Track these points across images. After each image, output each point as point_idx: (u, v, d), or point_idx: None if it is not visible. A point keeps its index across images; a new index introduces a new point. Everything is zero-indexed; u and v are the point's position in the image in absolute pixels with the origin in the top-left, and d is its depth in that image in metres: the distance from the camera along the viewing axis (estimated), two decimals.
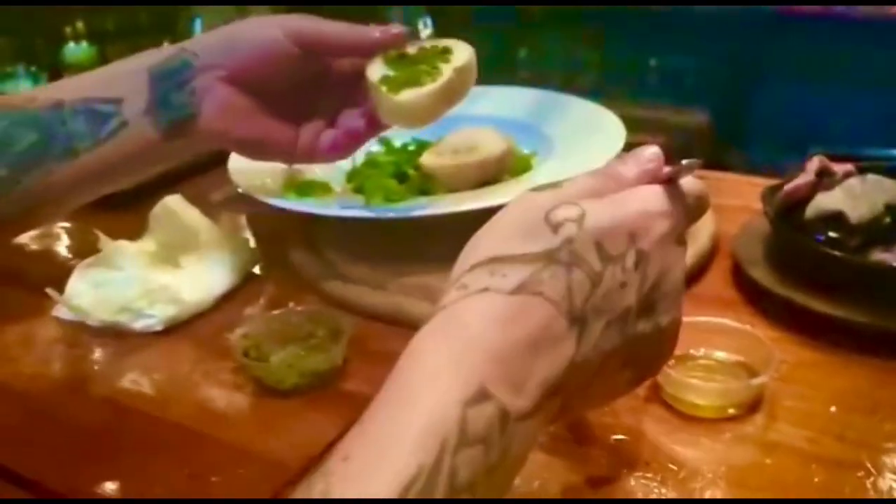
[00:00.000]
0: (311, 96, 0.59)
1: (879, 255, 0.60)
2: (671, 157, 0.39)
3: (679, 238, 0.39)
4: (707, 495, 0.47)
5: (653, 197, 0.37)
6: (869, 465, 0.49)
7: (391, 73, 0.56)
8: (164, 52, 0.57)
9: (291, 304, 0.66)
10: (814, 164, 0.67)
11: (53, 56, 1.95)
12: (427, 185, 0.72)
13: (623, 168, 0.39)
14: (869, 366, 0.57)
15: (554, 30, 2.07)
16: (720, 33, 1.98)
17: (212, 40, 0.57)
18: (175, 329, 0.66)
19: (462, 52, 0.58)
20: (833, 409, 0.53)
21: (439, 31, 1.75)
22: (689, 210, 0.39)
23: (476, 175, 0.72)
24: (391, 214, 0.67)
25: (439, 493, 0.29)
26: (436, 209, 0.65)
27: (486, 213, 0.63)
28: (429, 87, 0.56)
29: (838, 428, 0.52)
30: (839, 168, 0.68)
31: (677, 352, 0.56)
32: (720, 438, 0.51)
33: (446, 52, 0.58)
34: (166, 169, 0.75)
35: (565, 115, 0.80)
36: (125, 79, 0.56)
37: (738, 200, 0.80)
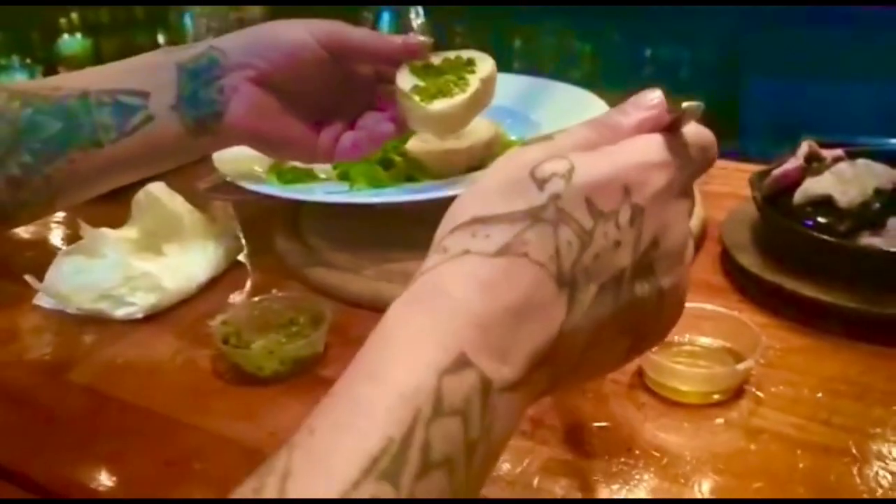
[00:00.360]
0: (333, 99, 0.60)
1: (868, 240, 0.59)
2: (673, 102, 0.36)
3: (683, 191, 0.35)
4: (690, 482, 0.46)
5: (651, 147, 0.34)
6: (855, 451, 0.48)
7: (420, 83, 0.59)
8: (193, 49, 0.57)
9: (274, 291, 0.66)
10: (803, 149, 0.67)
11: (48, 49, 1.94)
12: (413, 171, 0.71)
13: (621, 117, 0.35)
14: (858, 351, 0.56)
15: (548, 20, 2.05)
16: (714, 24, 1.97)
17: (241, 40, 0.58)
18: (157, 316, 0.65)
19: (485, 63, 0.61)
20: (820, 394, 0.53)
21: (433, 21, 1.74)
22: (692, 161, 0.35)
23: (463, 161, 0.71)
24: (377, 200, 0.67)
25: (411, 468, 0.27)
26: (421, 195, 0.64)
27: None
28: (459, 98, 0.58)
29: (825, 414, 0.51)
30: (829, 153, 0.68)
31: None
32: (704, 424, 0.51)
33: (470, 63, 0.61)
34: None
35: (553, 101, 0.79)
36: (153, 72, 0.56)
37: (726, 187, 0.79)
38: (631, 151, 0.33)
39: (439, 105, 0.58)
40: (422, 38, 0.60)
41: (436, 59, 0.60)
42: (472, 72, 0.59)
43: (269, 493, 0.26)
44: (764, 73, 2.08)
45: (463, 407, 0.28)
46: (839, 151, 0.68)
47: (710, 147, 0.36)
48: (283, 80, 0.57)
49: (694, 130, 0.35)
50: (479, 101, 0.59)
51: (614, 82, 2.17)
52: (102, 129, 0.54)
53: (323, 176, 0.72)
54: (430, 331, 0.29)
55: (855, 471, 0.47)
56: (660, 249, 0.33)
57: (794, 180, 0.65)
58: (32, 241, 0.82)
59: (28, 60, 1.87)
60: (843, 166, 0.65)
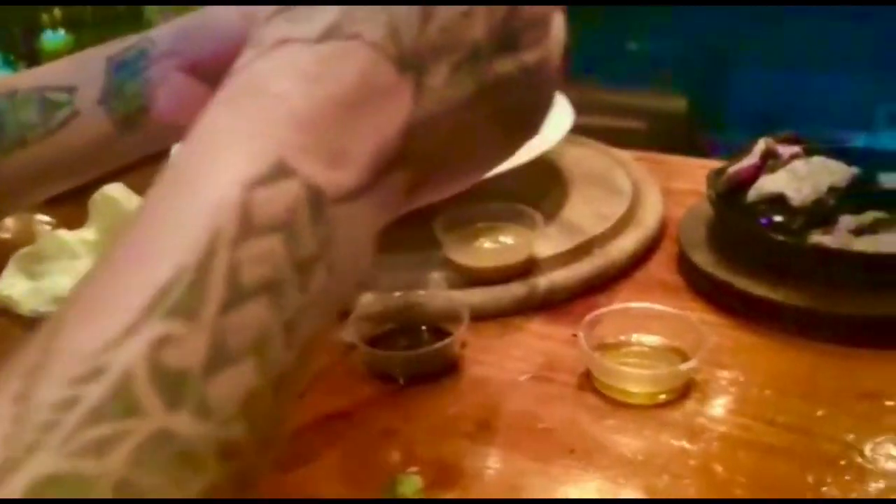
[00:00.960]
0: None
1: (819, 238, 0.59)
2: None
3: None
4: (629, 482, 0.46)
5: None
6: (798, 451, 0.48)
7: None
8: (128, 41, 0.55)
9: None
10: (760, 146, 0.66)
11: (30, 44, 1.93)
12: None
13: None
14: (807, 349, 0.56)
15: None
16: (698, 18, 1.97)
17: (171, 28, 0.56)
18: None
19: None
20: (767, 393, 0.53)
21: None
22: None
23: None
24: None
25: (213, 298, 0.22)
26: None
27: (430, 203, 0.63)
28: None
29: (770, 413, 0.51)
30: (786, 150, 0.67)
31: (610, 339, 0.56)
32: (649, 425, 0.51)
33: None
34: None
35: None
36: (83, 66, 0.54)
37: (689, 184, 0.79)
38: None
39: None
40: None
41: None
42: None
43: (33, 355, 0.22)
44: (749, 66, 2.07)
45: (284, 222, 0.24)
46: (796, 149, 0.67)
47: None
48: (218, 69, 0.54)
49: None
50: None
51: (598, 77, 2.17)
52: (28, 127, 0.53)
53: None
54: (239, 135, 0.25)
55: (797, 470, 0.47)
56: (521, 17, 0.29)
57: (750, 178, 0.65)
58: None
59: (11, 56, 1.87)
60: (797, 164, 0.64)
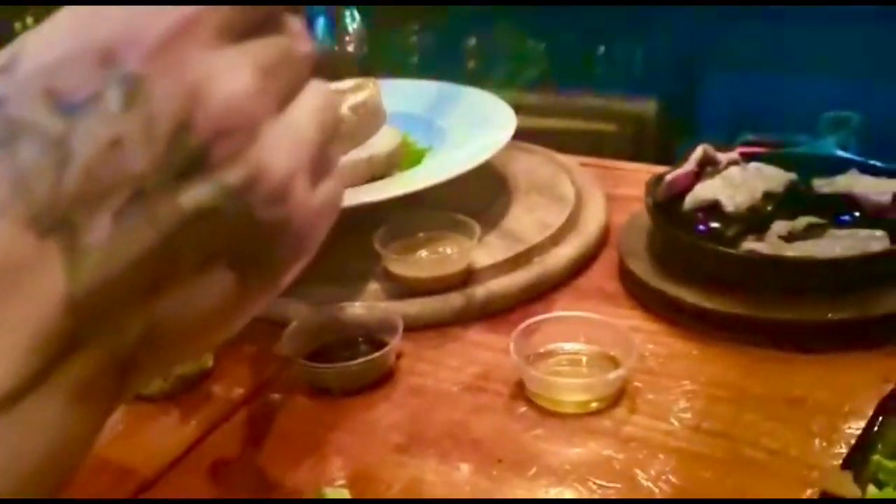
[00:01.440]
0: None
1: (751, 245, 0.59)
2: None
3: (230, 30, 0.23)
4: (551, 492, 0.47)
5: None
6: (720, 455, 0.48)
7: None
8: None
9: None
10: (697, 153, 0.67)
11: None
12: None
13: None
14: (739, 356, 0.56)
15: (501, 20, 2.05)
16: (668, 20, 1.98)
17: None
18: None
19: (361, 91, 0.55)
20: (695, 401, 0.53)
21: (380, 21, 1.73)
22: None
23: (365, 171, 0.71)
24: None
25: None
26: None
27: (370, 210, 0.63)
28: None
29: (697, 419, 0.51)
30: (724, 157, 0.68)
31: (541, 349, 0.57)
32: (578, 433, 0.51)
33: (347, 91, 0.55)
34: None
35: (462, 108, 0.79)
36: None
37: (635, 190, 0.79)
38: (106, 5, 0.22)
39: None
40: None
41: None
42: (342, 101, 0.55)
43: None
44: (720, 68, 2.09)
45: None
46: (734, 155, 0.68)
47: None
48: None
49: None
50: (348, 131, 0.54)
51: (569, 81, 2.17)
52: None
53: None
54: None
55: (719, 476, 0.47)
56: (200, 129, 0.22)
57: (687, 185, 0.65)
58: None
59: None
60: (733, 171, 0.65)
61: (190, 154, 0.22)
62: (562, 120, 1.94)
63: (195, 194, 0.22)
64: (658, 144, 1.99)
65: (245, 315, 0.25)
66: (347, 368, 0.55)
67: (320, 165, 0.25)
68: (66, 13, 0.23)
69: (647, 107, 2.06)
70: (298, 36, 0.25)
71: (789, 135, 1.54)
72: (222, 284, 0.24)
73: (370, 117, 0.55)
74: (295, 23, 0.25)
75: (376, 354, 0.55)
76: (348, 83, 0.56)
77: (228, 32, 0.23)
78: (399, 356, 0.59)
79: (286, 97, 0.24)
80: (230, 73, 0.22)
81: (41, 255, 0.21)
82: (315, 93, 0.25)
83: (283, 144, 0.23)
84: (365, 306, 0.60)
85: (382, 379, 0.57)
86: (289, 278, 0.26)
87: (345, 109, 0.53)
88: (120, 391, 0.23)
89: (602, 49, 2.09)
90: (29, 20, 2.12)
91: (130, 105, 0.21)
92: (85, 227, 0.21)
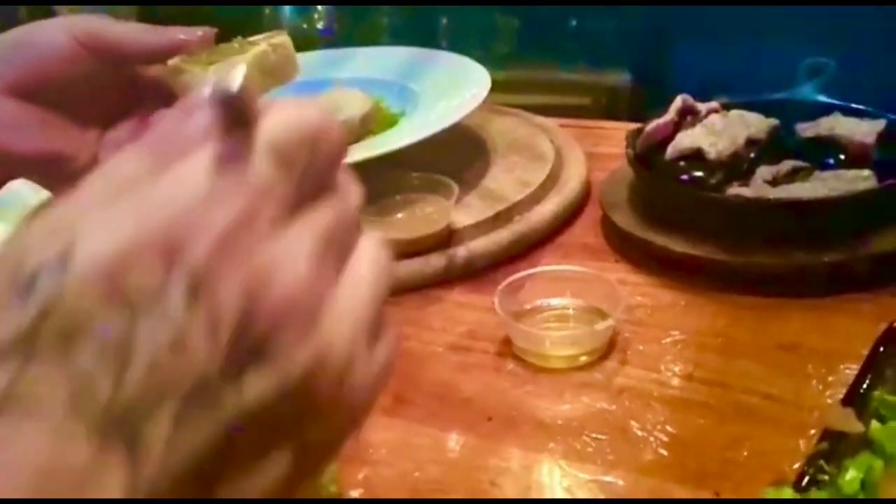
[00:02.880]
0: (118, 105, 0.51)
1: (736, 190, 0.58)
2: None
3: (288, 210, 0.23)
4: (546, 447, 0.45)
5: (194, 173, 0.22)
6: (714, 403, 0.47)
7: (194, 59, 0.51)
8: None
9: None
10: (676, 103, 0.66)
11: None
12: None
13: (179, 130, 0.23)
14: (726, 303, 0.55)
15: None
16: None
17: None
18: None
19: (277, 36, 0.54)
20: (686, 350, 0.52)
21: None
22: (286, 161, 0.23)
23: None
24: None
25: None
26: None
27: None
28: (241, 57, 0.50)
29: (689, 368, 0.50)
30: (704, 106, 0.67)
31: (526, 305, 0.55)
32: (568, 388, 0.50)
33: (256, 41, 0.53)
34: None
35: (435, 71, 0.77)
36: None
37: (616, 148, 0.77)
38: (166, 189, 0.22)
39: (218, 68, 0.49)
40: (201, 30, 0.51)
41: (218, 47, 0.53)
42: (254, 45, 0.52)
43: None
44: (692, 38, 2.08)
45: None
46: (714, 104, 0.67)
47: (318, 123, 0.24)
48: (42, 88, 0.48)
49: (275, 123, 0.23)
50: (270, 66, 0.52)
51: (542, 55, 2.16)
52: None
53: None
54: None
55: (713, 423, 0.46)
56: (265, 317, 0.21)
57: (667, 135, 0.64)
58: None
59: None
60: (714, 118, 0.64)
61: (252, 346, 0.21)
62: (535, 95, 1.92)
63: (258, 385, 0.21)
64: (632, 116, 1.98)
65: (300, 486, 0.24)
66: None
67: (377, 323, 0.24)
68: (120, 192, 0.22)
69: (620, 79, 2.05)
70: (348, 188, 0.25)
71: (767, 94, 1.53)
72: (280, 467, 0.23)
73: (288, 60, 0.53)
74: (343, 176, 0.25)
75: None
76: (259, 36, 0.55)
77: (286, 210, 0.23)
78: None
79: (343, 258, 0.24)
80: (290, 258, 0.22)
81: (103, 458, 0.20)
82: (368, 243, 0.25)
83: (344, 317, 0.23)
84: None
85: None
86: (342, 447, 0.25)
87: (265, 47, 0.51)
88: None
89: (573, 23, 2.08)
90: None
91: (193, 302, 0.21)
92: (146, 426, 0.20)
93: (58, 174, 0.50)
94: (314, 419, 0.23)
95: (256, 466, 0.22)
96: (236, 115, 0.22)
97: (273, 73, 0.52)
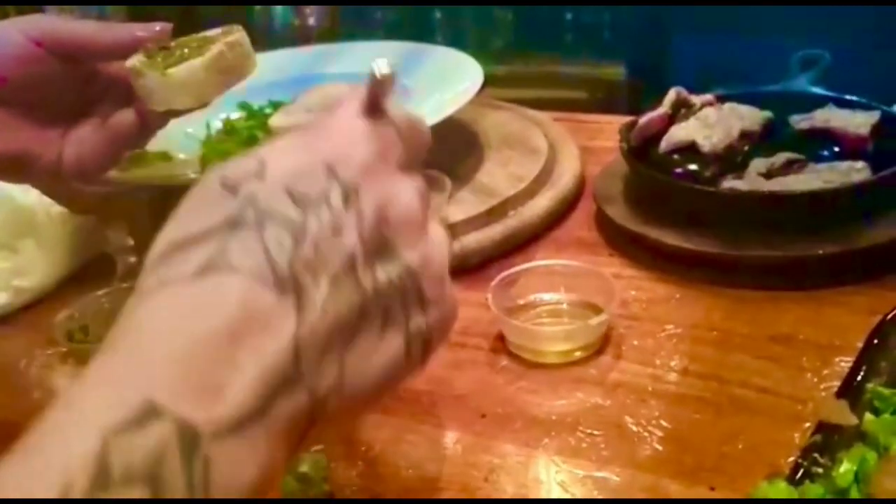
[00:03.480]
0: (79, 102, 0.51)
1: (731, 183, 0.58)
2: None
3: (401, 167, 0.32)
4: (540, 444, 0.45)
5: (346, 123, 0.31)
6: (709, 397, 0.47)
7: (152, 56, 0.51)
8: None
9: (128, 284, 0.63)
10: (670, 96, 0.65)
11: None
12: None
13: (339, 107, 0.32)
14: (720, 297, 0.55)
15: None
16: None
17: None
18: (11, 317, 0.62)
19: (232, 33, 0.54)
20: (681, 344, 0.51)
21: None
22: (401, 137, 0.32)
23: None
24: None
25: None
26: None
27: None
28: (199, 59, 0.51)
29: (684, 362, 0.50)
30: (699, 99, 0.66)
31: (520, 300, 0.55)
32: (563, 384, 0.49)
33: (217, 36, 0.54)
34: None
35: (427, 66, 0.77)
36: None
37: (610, 142, 0.77)
38: (326, 129, 0.31)
39: (177, 70, 0.49)
40: (158, 25, 0.51)
41: (175, 43, 0.53)
42: (214, 42, 0.53)
43: None
44: (689, 30, 2.07)
45: (150, 470, 0.23)
46: (709, 97, 0.66)
47: (417, 123, 0.34)
48: (1, 89, 0.49)
49: (398, 111, 0.33)
50: (227, 65, 0.52)
51: (538, 48, 2.14)
52: None
53: (182, 157, 0.69)
54: (106, 379, 0.25)
55: (709, 417, 0.46)
56: (391, 225, 0.30)
57: (661, 128, 0.63)
58: None
59: None
60: (708, 111, 0.63)
61: (384, 240, 0.30)
62: (531, 89, 1.92)
63: (387, 269, 0.30)
64: (629, 109, 1.98)
65: (401, 382, 0.31)
66: None
67: (447, 280, 0.33)
68: (297, 134, 0.31)
69: (617, 72, 2.04)
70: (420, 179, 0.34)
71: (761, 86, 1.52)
72: (393, 350, 0.30)
73: (244, 57, 0.54)
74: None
75: None
76: (216, 30, 0.54)
77: (398, 166, 0.32)
78: None
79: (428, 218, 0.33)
80: (406, 191, 0.31)
81: (278, 309, 0.27)
82: (437, 226, 0.33)
83: (436, 244, 0.32)
84: None
85: None
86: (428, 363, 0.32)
87: (221, 47, 0.52)
88: (303, 436, 0.28)
89: (569, 15, 2.07)
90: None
91: (347, 203, 0.29)
92: (311, 287, 0.28)
93: (21, 173, 0.51)
94: (419, 309, 0.30)
95: (377, 343, 0.29)
96: (375, 97, 0.32)
97: (231, 71, 0.53)
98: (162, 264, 0.27)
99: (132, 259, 0.70)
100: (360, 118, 0.31)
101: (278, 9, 1.68)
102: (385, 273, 0.30)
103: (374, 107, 0.32)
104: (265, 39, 1.79)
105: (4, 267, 0.62)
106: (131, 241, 0.72)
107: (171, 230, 0.28)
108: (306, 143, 0.30)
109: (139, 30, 0.50)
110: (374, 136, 0.31)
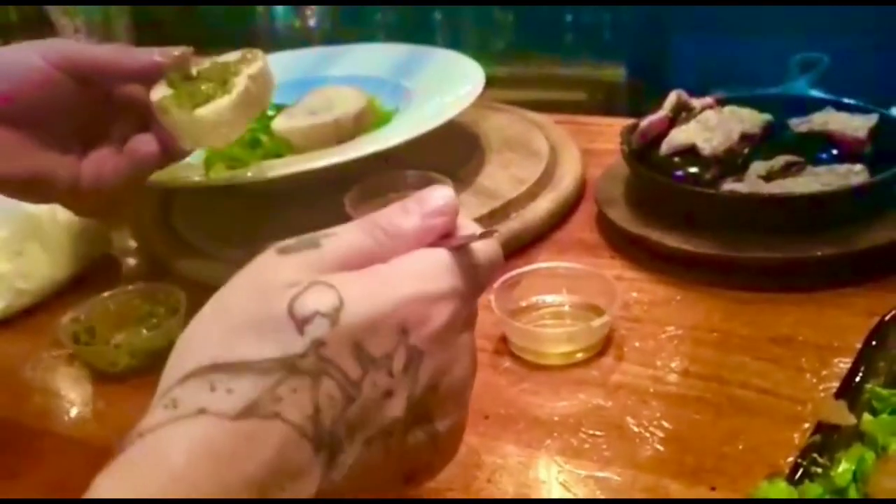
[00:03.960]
0: (96, 122, 0.52)
1: (731, 186, 0.58)
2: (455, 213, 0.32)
3: (466, 322, 0.32)
4: (543, 445, 0.45)
5: (435, 271, 0.30)
6: (710, 398, 0.47)
7: (178, 92, 0.50)
8: None
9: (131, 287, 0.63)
10: (671, 99, 0.66)
11: None
12: (281, 149, 0.69)
13: (402, 218, 0.31)
14: (720, 298, 0.55)
15: None
16: None
17: None
18: (15, 320, 0.63)
19: (255, 62, 0.54)
20: (682, 345, 0.52)
21: None
22: (480, 285, 0.32)
23: (331, 135, 0.69)
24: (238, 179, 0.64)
25: None
26: (280, 170, 0.62)
27: (340, 172, 0.61)
28: (226, 99, 0.50)
29: (685, 363, 0.50)
30: (699, 102, 0.67)
31: (522, 302, 0.55)
32: (565, 385, 0.50)
33: (237, 64, 0.53)
34: None
35: (428, 68, 0.77)
36: None
37: (611, 144, 0.78)
38: (409, 278, 0.29)
39: (204, 111, 0.49)
40: (178, 50, 0.51)
41: (196, 69, 0.52)
42: (237, 73, 0.52)
43: None
44: (690, 31, 2.08)
45: None
46: (709, 99, 0.67)
47: (499, 265, 0.33)
48: (20, 112, 0.49)
49: (484, 247, 0.32)
50: (252, 100, 0.52)
51: (539, 49, 2.14)
52: None
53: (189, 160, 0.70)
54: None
55: (709, 418, 0.46)
56: (439, 393, 0.30)
57: (662, 131, 0.64)
58: None
59: None
60: (708, 114, 0.64)
61: (427, 408, 0.30)
62: (532, 91, 1.92)
63: (417, 436, 0.30)
64: (629, 111, 1.98)
65: (394, 491, 0.32)
66: None
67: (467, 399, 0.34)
68: (378, 274, 0.29)
69: (617, 73, 2.05)
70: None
71: (761, 89, 1.53)
72: (391, 486, 0.31)
73: (266, 85, 0.54)
74: None
75: None
76: (235, 55, 0.54)
77: (465, 322, 0.32)
78: None
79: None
80: (462, 362, 0.31)
81: (312, 463, 0.27)
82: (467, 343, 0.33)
83: (466, 391, 0.32)
84: None
85: None
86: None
87: (246, 82, 0.51)
88: None
89: (569, 17, 2.07)
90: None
91: (408, 369, 0.29)
92: (345, 448, 0.27)
93: (40, 195, 0.51)
94: (429, 455, 0.32)
95: (385, 483, 0.31)
96: (467, 244, 0.31)
97: (256, 104, 0.53)
98: (203, 384, 0.26)
99: (135, 261, 0.70)
100: (447, 271, 0.30)
101: (279, 9, 1.68)
102: (414, 439, 0.30)
103: (462, 246, 0.31)
104: (266, 41, 1.79)
105: (8, 269, 0.63)
106: (135, 244, 0.73)
107: (216, 344, 0.27)
108: (387, 291, 0.29)
109: (159, 55, 0.50)
110: (453, 297, 0.30)
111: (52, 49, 0.49)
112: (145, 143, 0.50)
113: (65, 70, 0.49)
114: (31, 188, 0.50)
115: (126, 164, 0.50)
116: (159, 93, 0.50)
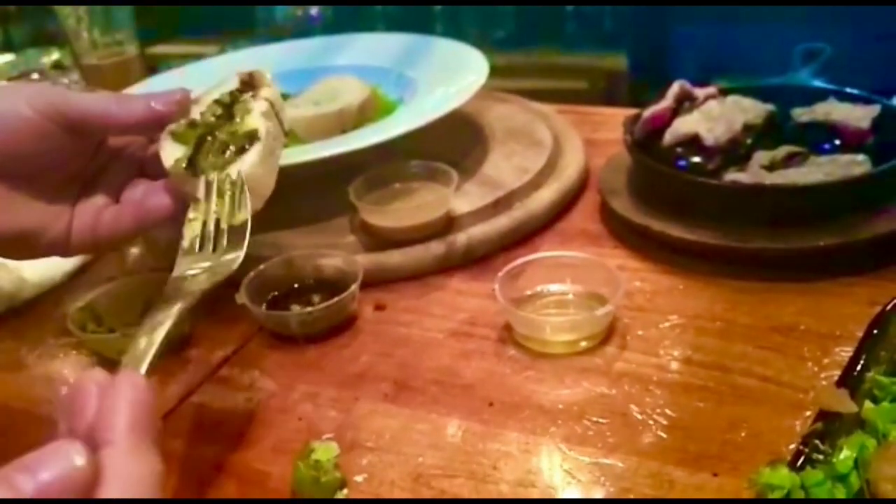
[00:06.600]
0: (88, 170, 0.49)
1: (733, 175, 0.59)
2: None
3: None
4: (547, 432, 0.46)
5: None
6: (712, 386, 0.48)
7: (191, 152, 0.46)
8: None
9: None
10: (674, 89, 0.66)
11: None
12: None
13: (21, 477, 0.28)
14: (723, 288, 0.56)
15: None
16: None
17: None
18: (22, 308, 0.63)
19: (261, 89, 0.50)
20: (685, 334, 0.52)
21: None
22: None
23: (335, 125, 0.69)
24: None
25: None
26: (284, 160, 0.62)
27: (344, 163, 0.61)
28: (249, 158, 0.46)
29: (688, 352, 0.51)
30: (702, 92, 0.67)
31: (527, 291, 0.56)
32: (569, 373, 0.50)
33: (239, 93, 0.49)
34: None
35: (431, 58, 0.77)
36: None
37: (614, 134, 0.78)
38: None
39: (236, 171, 0.46)
40: (178, 94, 0.48)
41: (196, 111, 0.48)
42: (248, 111, 0.48)
43: None
44: (691, 20, 2.07)
45: None
46: (712, 89, 0.67)
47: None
48: (7, 164, 0.46)
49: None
50: (273, 142, 0.49)
51: (539, 40, 2.14)
52: None
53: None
54: None
55: (712, 406, 0.46)
56: None
57: (665, 121, 0.64)
58: None
59: None
60: (711, 104, 0.64)
61: None
62: (533, 80, 1.92)
63: None
64: (630, 100, 1.98)
65: None
66: (308, 313, 0.54)
67: None
68: None
69: (618, 62, 2.05)
70: None
71: (764, 79, 1.53)
72: None
73: (281, 118, 0.50)
74: None
75: (336, 299, 0.54)
76: (231, 83, 0.50)
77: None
78: (382, 307, 0.58)
79: None
80: None
81: None
82: None
83: None
84: (327, 254, 0.59)
85: (367, 329, 0.55)
86: None
87: (264, 125, 0.47)
88: None
89: (569, 7, 2.07)
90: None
91: None
92: None
93: (25, 249, 0.48)
94: None
95: None
96: None
97: (277, 142, 0.50)
98: None
99: (141, 250, 0.70)
100: None
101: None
102: None
103: None
104: (268, 31, 1.79)
105: (10, 260, 0.63)
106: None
107: None
108: None
109: (156, 101, 0.47)
110: None
111: (42, 97, 0.46)
112: (158, 199, 0.47)
113: (54, 120, 0.46)
114: (14, 245, 0.47)
115: (130, 216, 0.48)
116: (169, 152, 0.46)
